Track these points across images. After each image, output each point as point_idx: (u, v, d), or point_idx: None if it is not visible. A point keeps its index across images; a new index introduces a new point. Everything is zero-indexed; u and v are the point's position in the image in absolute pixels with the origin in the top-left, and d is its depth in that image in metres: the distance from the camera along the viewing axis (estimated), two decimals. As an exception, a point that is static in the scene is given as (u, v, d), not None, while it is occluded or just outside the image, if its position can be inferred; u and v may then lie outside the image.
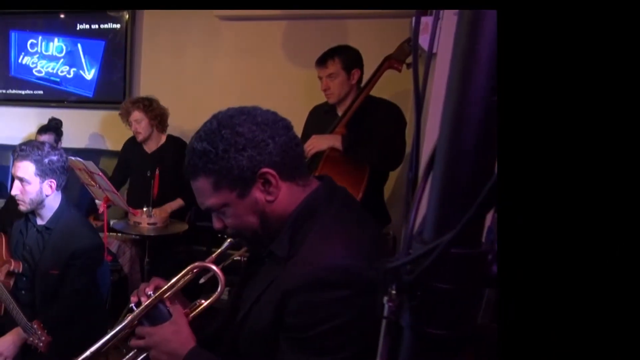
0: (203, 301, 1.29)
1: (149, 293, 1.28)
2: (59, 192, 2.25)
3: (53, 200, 2.23)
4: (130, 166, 3.66)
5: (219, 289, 1.24)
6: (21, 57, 4.53)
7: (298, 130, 2.90)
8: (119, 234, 3.22)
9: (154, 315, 1.26)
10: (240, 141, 1.07)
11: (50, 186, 2.17)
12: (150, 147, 3.58)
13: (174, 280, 1.29)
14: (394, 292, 0.66)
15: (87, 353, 1.28)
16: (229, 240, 1.30)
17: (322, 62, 2.68)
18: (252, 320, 1.17)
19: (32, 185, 2.13)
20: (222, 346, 1.28)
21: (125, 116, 3.54)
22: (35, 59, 4.49)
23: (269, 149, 1.08)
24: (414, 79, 0.72)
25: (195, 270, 1.29)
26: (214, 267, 1.25)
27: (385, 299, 0.67)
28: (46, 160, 2.13)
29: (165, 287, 1.28)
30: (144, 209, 2.99)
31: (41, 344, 1.99)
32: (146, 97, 3.54)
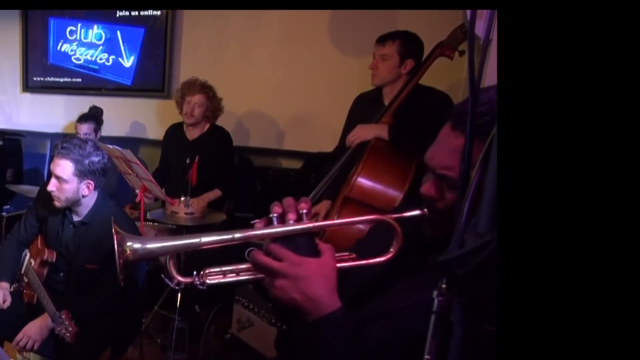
0: (354, 255, 1.10)
1: (302, 211, 1.06)
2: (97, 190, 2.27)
3: (90, 198, 2.26)
4: (171, 153, 3.74)
5: (393, 249, 1.06)
6: (60, 44, 4.67)
7: (342, 119, 2.92)
8: (156, 224, 3.29)
9: (299, 243, 1.04)
10: None
11: (88, 187, 2.20)
12: (192, 135, 3.64)
13: (349, 220, 1.14)
14: (444, 286, 0.67)
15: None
16: (417, 210, 1.08)
17: (381, 40, 2.69)
18: (410, 321, 1.01)
19: (70, 185, 2.16)
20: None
21: (187, 94, 3.52)
22: (74, 46, 4.63)
23: None
24: (470, 67, 0.72)
25: (373, 220, 1.14)
26: (394, 223, 1.06)
27: (435, 293, 0.68)
28: (86, 161, 2.15)
29: (336, 222, 1.08)
30: (182, 199, 3.00)
31: (68, 334, 2.04)
32: (212, 87, 3.56)
